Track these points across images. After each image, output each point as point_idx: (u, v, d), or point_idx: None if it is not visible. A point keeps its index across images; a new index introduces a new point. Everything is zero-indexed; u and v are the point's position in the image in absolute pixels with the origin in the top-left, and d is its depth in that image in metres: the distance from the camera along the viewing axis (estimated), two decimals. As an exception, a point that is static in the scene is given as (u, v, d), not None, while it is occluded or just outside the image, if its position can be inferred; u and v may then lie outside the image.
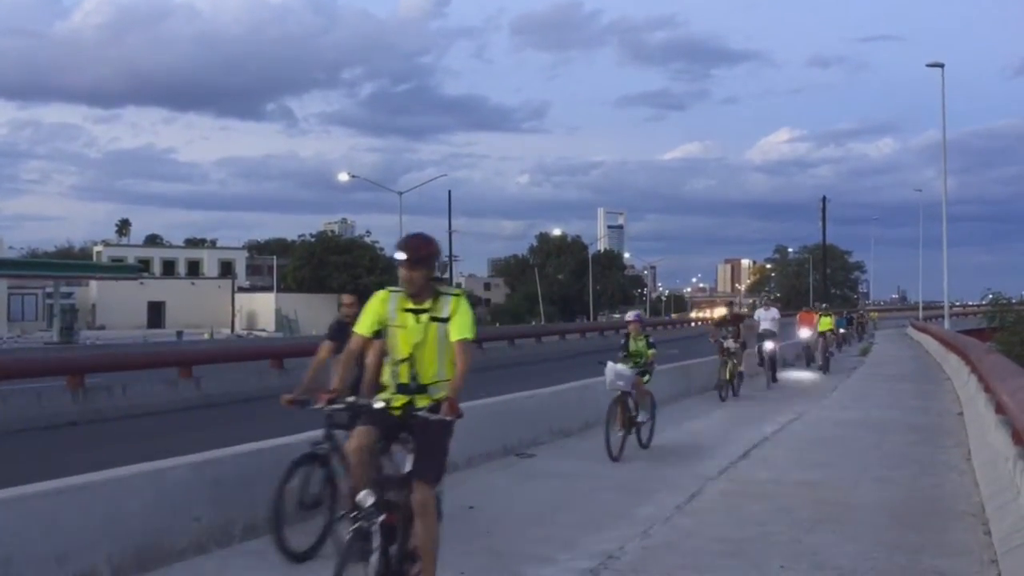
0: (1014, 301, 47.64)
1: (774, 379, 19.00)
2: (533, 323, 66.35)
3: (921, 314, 65.11)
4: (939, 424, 13.11)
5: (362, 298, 5.73)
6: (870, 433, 11.88)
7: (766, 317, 19.85)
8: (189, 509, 5.83)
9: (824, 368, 23.07)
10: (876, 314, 64.59)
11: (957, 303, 79.58)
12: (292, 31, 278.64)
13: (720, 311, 18.81)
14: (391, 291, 4.57)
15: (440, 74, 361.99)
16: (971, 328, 49.35)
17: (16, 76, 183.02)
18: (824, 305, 31.03)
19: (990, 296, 49.81)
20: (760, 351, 19.08)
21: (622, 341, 10.99)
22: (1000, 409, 9.16)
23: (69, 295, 55.09)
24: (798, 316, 25.99)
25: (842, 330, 34.26)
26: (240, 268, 79.21)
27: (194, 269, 76.80)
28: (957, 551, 6.12)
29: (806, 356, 24.24)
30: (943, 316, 61.53)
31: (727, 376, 15.91)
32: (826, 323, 24.27)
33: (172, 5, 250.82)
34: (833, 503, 7.56)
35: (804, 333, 24.24)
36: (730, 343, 15.97)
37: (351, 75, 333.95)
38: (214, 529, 5.96)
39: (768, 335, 19.14)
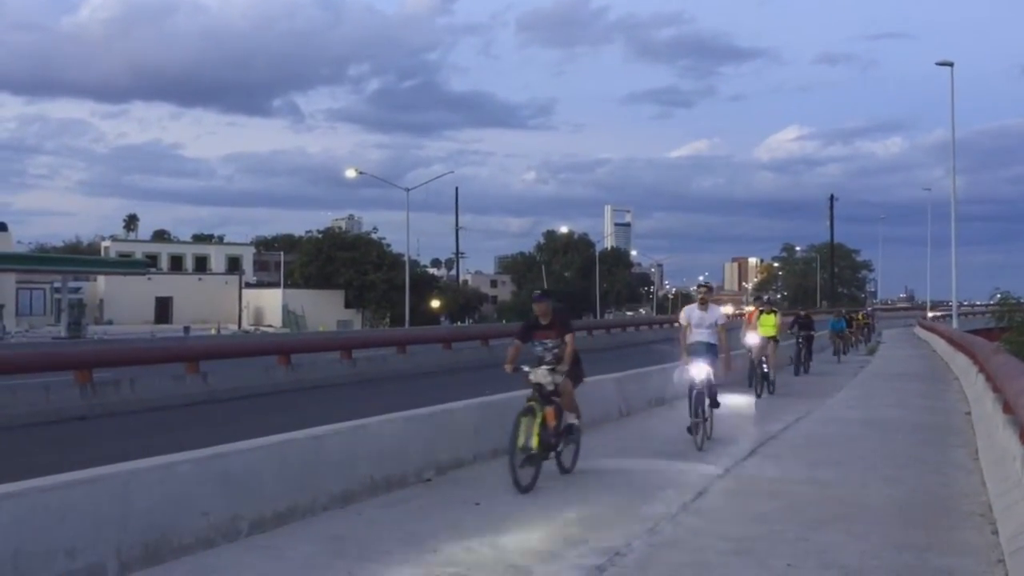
0: (1023, 301, 47.42)
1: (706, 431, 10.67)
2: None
3: (929, 313, 65.03)
4: (946, 423, 13.07)
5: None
6: (877, 432, 11.85)
7: (700, 321, 10.91)
8: (197, 503, 5.86)
9: (759, 389, 16.18)
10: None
11: (965, 302, 79.57)
12: (298, 27, 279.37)
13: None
14: None
15: (447, 70, 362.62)
16: (979, 328, 49.26)
17: (24, 71, 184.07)
18: (767, 297, 22.84)
19: (998, 296, 49.68)
20: (688, 380, 10.73)
21: None
22: (1008, 408, 9.14)
23: (77, 290, 55.31)
24: (745, 317, 19.13)
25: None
26: (247, 264, 79.20)
27: (201, 265, 76.87)
28: (964, 550, 6.11)
29: (749, 374, 16.59)
30: (940, 315, 61.56)
31: (531, 440, 7.94)
32: (768, 324, 17.55)
33: (178, 0, 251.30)
34: (840, 502, 7.55)
35: (751, 339, 17.09)
36: (541, 372, 8.31)
37: (357, 71, 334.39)
38: (222, 523, 5.98)
39: (700, 351, 10.74)
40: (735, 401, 14.62)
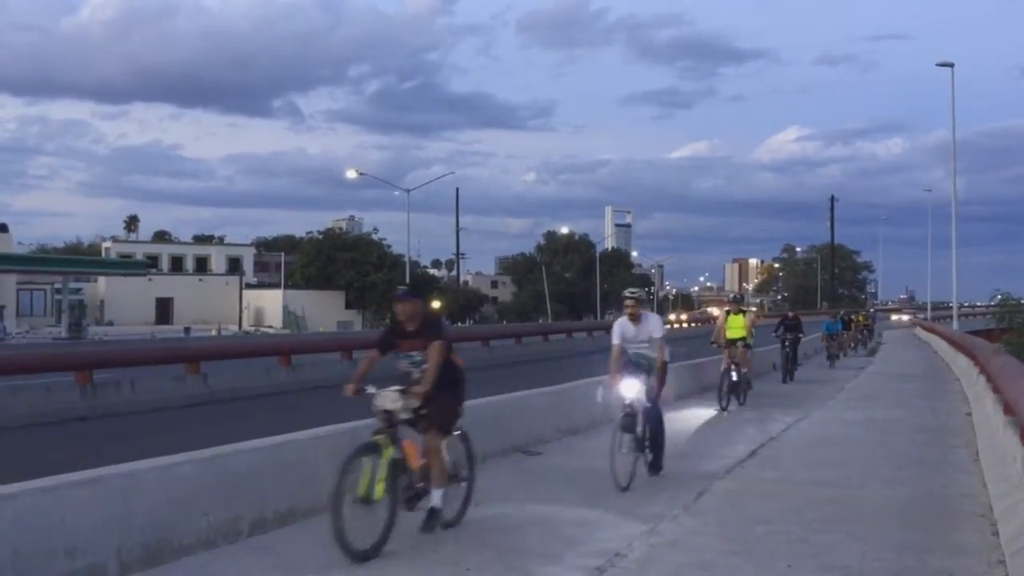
0: (1023, 302, 47.47)
1: (654, 467, 8.64)
2: (540, 321, 66.35)
3: (929, 314, 65.10)
4: (947, 424, 13.07)
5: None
6: (878, 433, 11.85)
7: (635, 337, 8.85)
8: (197, 504, 5.86)
9: (725, 401, 14.35)
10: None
11: (966, 303, 79.81)
12: (299, 28, 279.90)
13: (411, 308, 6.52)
14: None
15: (447, 71, 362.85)
16: (979, 329, 49.33)
17: (24, 72, 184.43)
18: (734, 295, 18.74)
19: (999, 297, 49.80)
20: (615, 400, 8.57)
21: None
22: (1008, 410, 9.14)
23: (78, 291, 55.40)
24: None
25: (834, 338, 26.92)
26: (248, 265, 79.30)
27: (202, 265, 76.95)
28: (965, 552, 6.11)
29: (720, 383, 14.71)
30: (929, 315, 61.67)
31: (373, 489, 5.86)
32: (737, 326, 15.50)
33: (179, 1, 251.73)
34: (841, 503, 7.55)
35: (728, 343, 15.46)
36: (388, 396, 6.20)
37: (357, 72, 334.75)
38: (222, 524, 5.98)
39: (635, 366, 8.75)
40: (694, 416, 13.31)
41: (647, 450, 8.54)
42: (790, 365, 20.53)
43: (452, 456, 6.61)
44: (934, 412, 14.59)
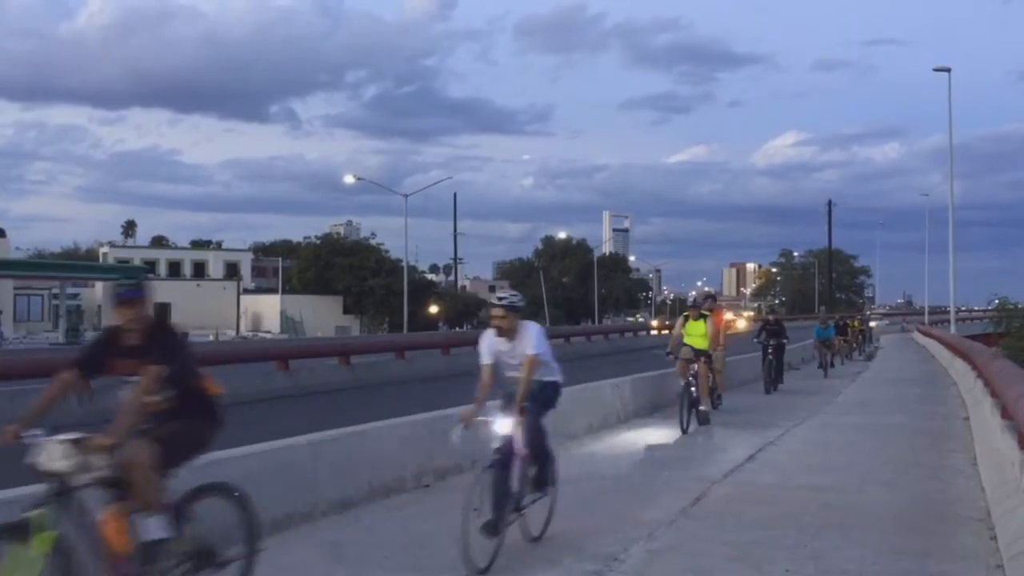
0: (1021, 306, 47.46)
1: (539, 483, 6.35)
2: (538, 326, 66.22)
3: (927, 318, 65.15)
4: (945, 429, 13.07)
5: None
6: (875, 437, 11.85)
7: (511, 355, 6.30)
8: (194, 510, 5.83)
9: (685, 422, 12.13)
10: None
11: (963, 308, 79.85)
12: (296, 33, 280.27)
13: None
14: None
15: (444, 76, 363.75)
16: (977, 333, 49.37)
17: (21, 77, 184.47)
18: (694, 299, 15.21)
19: (996, 301, 49.78)
20: (492, 452, 5.98)
21: None
22: (1006, 414, 9.14)
23: (75, 296, 55.33)
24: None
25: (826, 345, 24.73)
26: (245, 270, 79.25)
27: (199, 271, 76.89)
28: (963, 556, 6.11)
29: (680, 401, 12.43)
30: (927, 319, 61.67)
31: None
32: (696, 334, 13.22)
33: (176, 7, 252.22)
34: (839, 507, 7.54)
35: (685, 353, 13.10)
36: (54, 449, 4.15)
37: (355, 77, 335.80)
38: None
39: (514, 396, 6.19)
40: (643, 439, 11.52)
41: (523, 510, 6.20)
42: (773, 374, 18.70)
43: (217, 525, 4.83)
44: (931, 416, 14.59)
